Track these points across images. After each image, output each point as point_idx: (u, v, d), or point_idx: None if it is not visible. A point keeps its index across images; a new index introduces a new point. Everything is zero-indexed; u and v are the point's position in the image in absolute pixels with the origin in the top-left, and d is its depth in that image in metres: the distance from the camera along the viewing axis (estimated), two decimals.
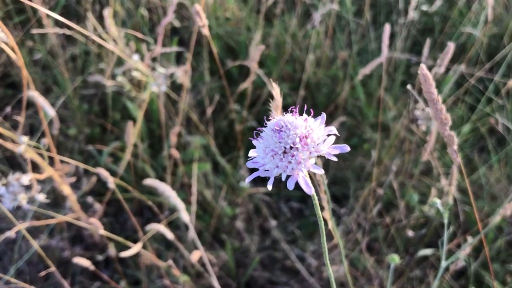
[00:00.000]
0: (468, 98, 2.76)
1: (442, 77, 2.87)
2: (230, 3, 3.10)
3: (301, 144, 0.69)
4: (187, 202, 2.35)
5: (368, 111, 2.75)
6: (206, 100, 2.60)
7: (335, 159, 0.70)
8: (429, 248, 2.14)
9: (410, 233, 2.09)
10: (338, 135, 0.73)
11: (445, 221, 1.02)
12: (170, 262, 1.71)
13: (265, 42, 2.99)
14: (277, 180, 2.47)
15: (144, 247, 2.26)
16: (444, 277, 2.15)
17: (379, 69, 2.85)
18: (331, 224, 1.00)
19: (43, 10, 1.60)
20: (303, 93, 2.70)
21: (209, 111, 2.32)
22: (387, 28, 1.67)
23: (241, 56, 2.97)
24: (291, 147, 0.70)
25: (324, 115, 0.77)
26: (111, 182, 1.54)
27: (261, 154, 0.73)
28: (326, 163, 2.70)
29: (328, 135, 0.73)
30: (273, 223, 2.36)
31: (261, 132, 0.74)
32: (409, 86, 1.25)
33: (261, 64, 2.91)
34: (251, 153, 0.77)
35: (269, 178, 0.72)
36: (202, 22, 1.64)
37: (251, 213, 2.46)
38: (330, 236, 2.41)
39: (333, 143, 0.72)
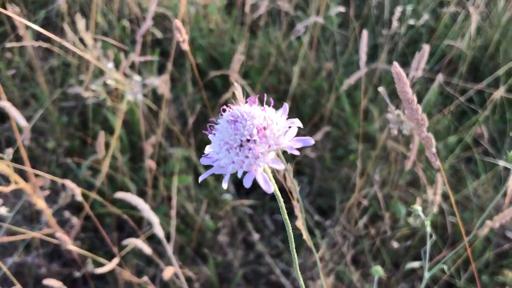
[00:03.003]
0: (454, 110, 2.74)
1: (423, 87, 2.85)
2: (213, 15, 3.07)
3: (258, 136, 0.63)
4: (169, 216, 2.29)
5: (354, 122, 2.72)
6: (188, 112, 2.55)
7: (297, 153, 0.63)
8: (416, 261, 2.09)
9: (395, 244, 2.04)
10: (302, 126, 0.67)
11: (428, 229, 0.97)
12: (146, 278, 1.64)
13: (249, 54, 2.96)
14: (262, 192, 2.41)
15: (124, 262, 2.18)
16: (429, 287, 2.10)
17: (364, 80, 2.83)
18: (305, 234, 0.94)
19: (22, 21, 1.55)
20: (288, 104, 2.67)
21: (191, 121, 2.27)
22: (364, 34, 1.64)
23: (224, 67, 2.93)
24: (248, 140, 0.63)
25: (286, 105, 0.70)
26: (78, 194, 1.48)
27: (216, 149, 0.66)
28: (311, 175, 2.65)
29: (290, 127, 0.66)
30: (257, 236, 2.30)
31: (216, 124, 0.68)
32: (380, 88, 1.21)
33: (245, 75, 2.88)
34: (207, 148, 0.70)
35: (224, 175, 0.64)
36: (182, 38, 1.58)
37: (235, 226, 2.40)
38: (316, 249, 2.36)
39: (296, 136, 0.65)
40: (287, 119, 0.68)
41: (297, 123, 0.67)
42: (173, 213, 2.00)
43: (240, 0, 3.16)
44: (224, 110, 0.68)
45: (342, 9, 2.49)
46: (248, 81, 2.84)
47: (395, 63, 0.76)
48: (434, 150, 0.85)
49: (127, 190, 2.37)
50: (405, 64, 3.09)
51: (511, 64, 2.55)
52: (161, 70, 3.00)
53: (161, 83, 2.00)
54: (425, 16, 2.75)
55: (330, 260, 2.21)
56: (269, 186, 0.61)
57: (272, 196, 2.58)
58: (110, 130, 2.62)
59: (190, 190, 2.40)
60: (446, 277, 2.10)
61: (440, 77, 1.80)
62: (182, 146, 2.51)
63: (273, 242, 2.39)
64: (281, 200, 0.66)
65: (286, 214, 0.66)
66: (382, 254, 2.21)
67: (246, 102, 0.68)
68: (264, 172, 0.64)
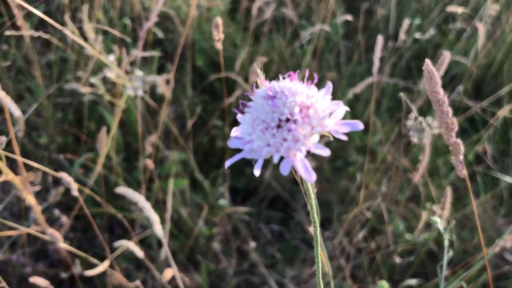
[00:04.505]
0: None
1: (425, 103, 2.82)
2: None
3: (301, 115, 0.53)
4: (162, 220, 2.22)
5: (354, 134, 2.67)
6: (187, 114, 2.49)
7: (345, 138, 0.54)
8: (414, 278, 2.03)
9: (398, 259, 1.98)
10: (349, 109, 0.58)
11: (445, 242, 0.91)
12: (138, 283, 1.56)
13: (251, 59, 2.91)
14: (258, 199, 2.34)
15: (112, 265, 2.10)
16: None
17: (365, 93, 2.79)
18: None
19: (23, 4, 1.49)
20: None
21: (190, 124, 2.21)
22: (379, 39, 1.59)
23: (225, 71, 2.88)
24: (287, 119, 0.54)
25: (330, 84, 0.61)
26: (75, 189, 1.41)
27: (248, 129, 0.56)
28: None
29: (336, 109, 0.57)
30: (252, 245, 2.23)
31: (250, 101, 0.58)
32: (401, 94, 1.15)
33: (246, 80, 2.82)
34: (234, 131, 0.60)
35: (256, 161, 0.55)
36: (218, 37, 1.55)
37: (229, 234, 2.33)
38: (312, 262, 2.29)
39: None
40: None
41: (342, 106, 0.58)
42: (167, 216, 1.93)
43: (244, 6, 3.12)
44: (257, 86, 0.60)
45: (349, 17, 2.45)
46: (250, 87, 2.79)
47: (428, 61, 0.71)
48: (461, 157, 0.79)
49: None
50: (408, 77, 3.05)
51: None
52: (160, 70, 2.94)
53: (162, 82, 1.94)
54: (431, 31, 2.72)
55: (327, 273, 2.15)
56: (311, 175, 0.51)
57: (269, 204, 2.52)
58: (106, 128, 2.55)
59: (184, 194, 2.33)
60: None
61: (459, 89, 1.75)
62: (179, 148, 2.44)
63: (268, 251, 2.32)
64: (312, 192, 0.58)
65: (315, 212, 0.59)
66: (381, 269, 2.15)
67: (284, 78, 0.59)
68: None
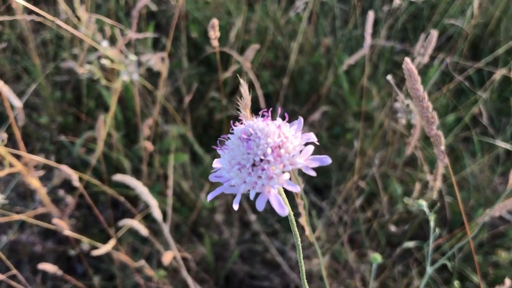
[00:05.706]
0: (453, 87, 2.71)
1: (425, 67, 2.81)
2: None
3: (273, 155, 0.59)
4: (164, 195, 2.27)
5: (351, 100, 2.69)
6: (184, 88, 2.50)
7: (313, 173, 0.59)
8: (412, 241, 2.09)
9: (393, 228, 2.04)
10: (318, 143, 0.63)
11: (431, 224, 0.96)
12: (143, 262, 1.63)
13: (246, 28, 2.89)
14: None
15: (119, 241, 2.17)
16: (425, 270, 2.11)
17: (363, 57, 2.78)
18: (308, 230, 0.92)
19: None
20: (285, 81, 2.62)
21: (187, 100, 2.23)
22: (370, 15, 1.59)
23: (221, 41, 2.86)
24: (261, 160, 0.59)
25: (301, 119, 0.66)
26: (76, 180, 1.45)
27: (227, 167, 0.62)
28: None
29: (306, 144, 0.62)
30: (252, 216, 2.29)
31: (227, 139, 0.63)
32: (389, 77, 1.17)
33: (241, 50, 2.82)
34: (215, 163, 0.66)
35: (235, 195, 0.60)
36: (214, 35, 1.56)
37: (231, 205, 2.39)
38: (312, 229, 2.36)
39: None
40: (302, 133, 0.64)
41: (312, 138, 0.63)
42: (169, 192, 1.98)
43: None
44: (236, 122, 0.64)
45: None
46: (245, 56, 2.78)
47: (407, 59, 0.73)
48: (443, 147, 0.82)
49: (121, 167, 2.34)
50: (405, 39, 3.03)
51: None
52: (155, 43, 2.93)
53: (158, 60, 1.95)
54: None
55: (326, 241, 2.22)
56: (284, 210, 0.57)
57: None
58: (104, 106, 2.57)
59: (185, 168, 2.37)
60: (438, 257, 2.11)
61: (447, 60, 1.76)
62: (178, 123, 2.47)
63: (269, 221, 2.38)
64: (292, 215, 0.63)
65: (296, 228, 0.63)
66: (378, 235, 2.21)
67: (258, 116, 0.64)
68: (278, 193, 0.60)
